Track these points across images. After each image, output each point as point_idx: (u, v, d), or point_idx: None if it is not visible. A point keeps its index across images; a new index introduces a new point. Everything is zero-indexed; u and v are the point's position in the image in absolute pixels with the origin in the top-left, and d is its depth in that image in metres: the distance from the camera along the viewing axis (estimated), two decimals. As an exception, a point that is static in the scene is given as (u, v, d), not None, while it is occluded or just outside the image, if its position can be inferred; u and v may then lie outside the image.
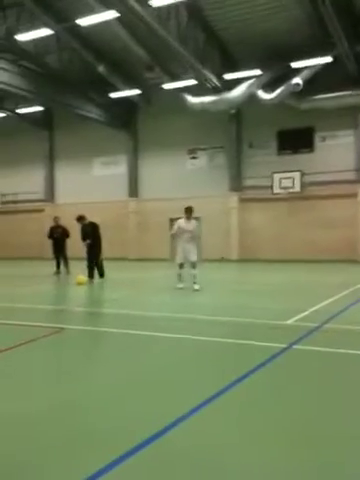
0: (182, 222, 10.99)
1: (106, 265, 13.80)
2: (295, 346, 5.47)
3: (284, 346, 5.41)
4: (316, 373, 4.56)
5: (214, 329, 6.68)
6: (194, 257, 10.88)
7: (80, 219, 13.67)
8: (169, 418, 3.36)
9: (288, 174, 21.20)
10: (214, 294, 10.80)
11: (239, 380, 4.21)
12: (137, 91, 22.04)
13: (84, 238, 13.33)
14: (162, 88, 20.88)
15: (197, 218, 23.27)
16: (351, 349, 5.37)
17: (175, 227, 11.01)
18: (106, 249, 13.71)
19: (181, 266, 11.11)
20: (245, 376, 4.33)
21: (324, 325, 6.68)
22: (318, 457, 2.84)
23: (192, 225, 10.97)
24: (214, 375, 4.49)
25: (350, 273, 15.75)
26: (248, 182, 22.48)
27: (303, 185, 20.98)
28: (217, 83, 20.13)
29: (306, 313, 7.62)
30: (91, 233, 13.30)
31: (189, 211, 11.00)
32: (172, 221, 24.25)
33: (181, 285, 10.99)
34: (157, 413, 3.53)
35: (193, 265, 10.88)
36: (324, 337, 6.07)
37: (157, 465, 2.76)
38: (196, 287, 10.64)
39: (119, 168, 25.36)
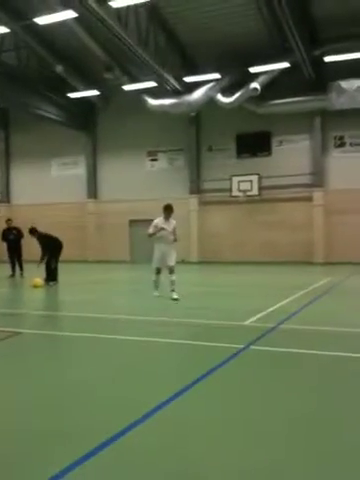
0: (160, 221, 9.73)
1: (65, 267, 13.59)
2: (252, 346, 5.56)
3: (242, 346, 5.49)
4: (271, 372, 4.65)
5: (173, 331, 6.70)
6: (172, 261, 9.75)
7: (32, 232, 12.92)
8: (125, 421, 3.35)
9: (246, 177, 21.52)
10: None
11: (195, 382, 4.24)
12: (96, 92, 21.87)
13: (43, 251, 12.79)
14: (122, 89, 20.80)
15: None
16: (304, 349, 5.50)
17: (152, 226, 9.75)
18: (64, 251, 13.49)
19: (158, 271, 9.91)
20: (202, 377, 4.36)
21: (280, 325, 6.81)
22: (274, 453, 2.90)
23: (171, 225, 9.77)
24: (171, 378, 4.50)
25: (306, 274, 16.13)
26: (207, 185, 22.66)
27: (261, 188, 21.35)
28: (177, 86, 20.23)
29: (263, 314, 7.75)
30: (45, 247, 12.78)
31: (168, 210, 9.75)
32: (132, 223, 24.35)
33: (157, 293, 9.86)
34: (114, 416, 3.51)
35: (171, 270, 9.68)
36: (279, 337, 6.19)
37: (117, 465, 2.75)
38: (174, 296, 9.50)
39: (78, 169, 25.07)
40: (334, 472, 2.69)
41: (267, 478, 2.64)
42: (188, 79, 19.96)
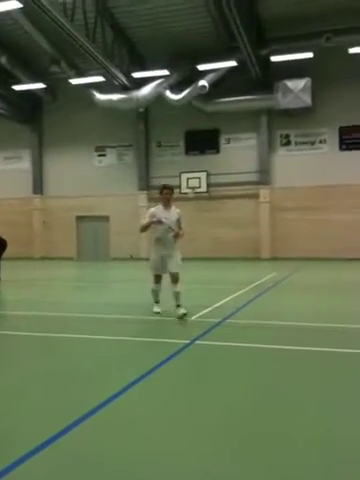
0: (158, 210, 7.23)
1: (9, 265, 13.20)
2: (197, 341, 5.59)
3: (187, 342, 5.51)
4: (215, 367, 4.69)
5: (120, 328, 6.64)
6: (176, 267, 7.27)
7: None
8: (62, 423, 3.28)
9: (195, 174, 21.67)
10: (122, 292, 10.76)
11: (138, 380, 4.20)
12: (42, 85, 21.34)
13: None
14: (69, 83, 20.40)
15: (106, 217, 23.45)
16: (248, 343, 5.59)
17: (147, 216, 7.25)
18: (9, 248, 13.09)
19: (157, 279, 7.48)
20: (146, 374, 4.34)
21: (225, 320, 6.90)
22: (214, 450, 2.92)
23: (174, 215, 7.26)
24: (112, 377, 4.43)
25: (253, 270, 16.44)
26: (157, 181, 22.60)
27: (209, 185, 21.55)
28: (125, 81, 20.06)
29: (209, 309, 7.82)
30: None
31: (168, 192, 7.24)
32: (79, 219, 23.97)
33: (158, 309, 7.49)
34: (56, 415, 3.43)
35: (175, 278, 7.23)
36: (224, 332, 6.26)
37: (55, 467, 2.68)
38: (182, 311, 7.02)
39: (22, 164, 24.41)
40: (278, 467, 2.73)
41: (207, 477, 2.65)
42: (136, 75, 19.86)
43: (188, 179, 21.72)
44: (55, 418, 3.36)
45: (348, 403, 3.64)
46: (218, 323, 6.68)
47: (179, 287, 7.20)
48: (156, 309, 7.50)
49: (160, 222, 7.02)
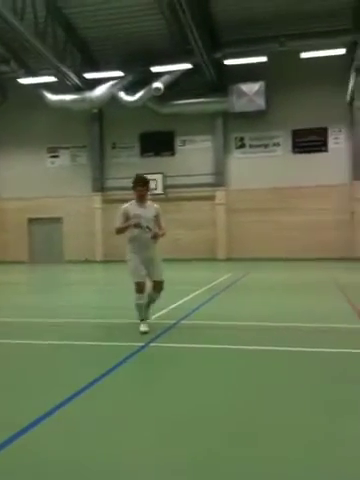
0: (131, 206, 6.19)
1: None
2: (152, 344, 5.47)
3: (142, 344, 5.38)
4: (169, 369, 4.59)
5: (72, 332, 6.43)
6: (161, 275, 6.34)
7: None
8: (8, 431, 3.09)
9: (151, 176, 21.45)
10: (77, 295, 10.51)
11: (90, 385, 4.05)
12: (-9, 84, 20.69)
13: None
14: (19, 83, 19.86)
15: (59, 219, 22.93)
16: (203, 344, 5.53)
17: (118, 216, 6.20)
18: None
19: (139, 288, 6.12)
20: (99, 378, 4.19)
21: (181, 321, 6.81)
22: (164, 453, 2.81)
23: (151, 211, 6.22)
24: (63, 382, 4.25)
25: (209, 271, 16.48)
26: (111, 183, 22.38)
27: (166, 187, 21.48)
28: (78, 81, 19.72)
29: (165, 311, 7.71)
30: None
31: (142, 185, 6.16)
32: (32, 221, 23.35)
33: (146, 328, 6.08)
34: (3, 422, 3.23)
35: (159, 288, 6.31)
36: (179, 333, 6.17)
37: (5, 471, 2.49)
38: (144, 328, 6.07)
39: (-27, 165, 23.58)
40: (223, 470, 2.65)
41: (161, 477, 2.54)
42: (89, 75, 19.59)
43: (144, 181, 21.54)
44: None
45: (303, 400, 3.62)
46: (173, 325, 6.59)
47: (159, 296, 6.39)
48: (143, 328, 6.04)
49: (138, 226, 5.98)
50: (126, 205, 6.20)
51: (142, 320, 6.16)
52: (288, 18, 17.56)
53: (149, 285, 6.31)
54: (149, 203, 6.28)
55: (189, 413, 3.42)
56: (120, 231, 6.19)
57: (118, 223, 6.16)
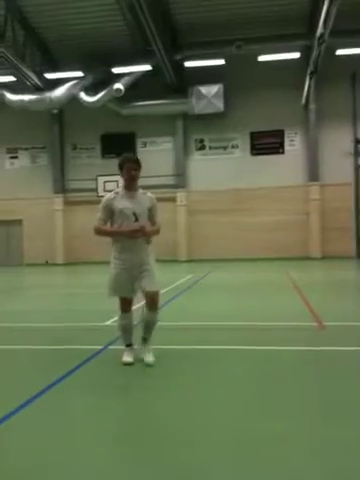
0: (120, 197, 4.70)
1: None
2: (111, 346, 5.56)
3: (100, 347, 5.47)
4: (126, 371, 4.69)
5: (27, 336, 6.44)
6: (154, 284, 4.78)
7: None
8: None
9: (112, 177, 21.49)
10: (36, 299, 10.44)
11: (44, 390, 4.08)
12: None
13: None
14: (-23, 82, 19.50)
15: (19, 221, 22.57)
16: (162, 345, 5.65)
17: (102, 210, 4.73)
18: None
19: (125, 306, 4.94)
20: (54, 383, 4.26)
21: (141, 323, 6.91)
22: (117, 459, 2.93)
23: (144, 202, 4.77)
24: (14, 389, 4.27)
25: (171, 272, 16.61)
26: (73, 184, 22.24)
27: (126, 188, 21.50)
28: (38, 82, 19.52)
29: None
30: None
31: (135, 166, 4.71)
32: (-9, 224, 22.96)
33: (130, 358, 4.83)
34: None
35: (153, 302, 4.83)
36: (139, 335, 6.28)
37: None
38: (150, 359, 4.79)
39: None
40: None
41: None
42: (49, 76, 19.42)
43: (105, 182, 21.54)
44: None
45: (267, 400, 3.81)
46: (134, 326, 6.68)
47: (156, 316, 4.80)
48: (127, 359, 4.77)
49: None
50: (109, 195, 4.66)
51: (128, 345, 4.87)
52: (245, 22, 17.93)
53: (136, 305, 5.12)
54: (141, 192, 4.73)
55: (143, 417, 3.55)
56: (102, 234, 4.76)
57: (99, 221, 4.69)
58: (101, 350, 5.40)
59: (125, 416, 3.53)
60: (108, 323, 6.97)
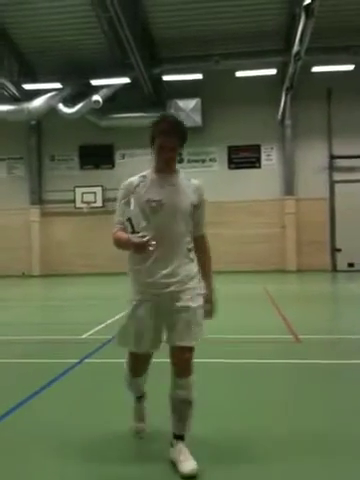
0: (148, 183, 3.00)
1: None
2: (87, 360, 5.54)
3: (76, 361, 5.44)
4: (102, 385, 4.67)
5: (5, 349, 6.36)
6: (194, 331, 2.97)
7: None
8: None
9: (90, 189, 21.49)
10: (11, 311, 10.31)
11: (17, 406, 4.05)
12: None
13: None
14: None
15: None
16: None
17: (120, 203, 3.08)
18: None
19: (138, 366, 3.26)
20: (29, 398, 4.22)
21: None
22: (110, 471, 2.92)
23: (187, 193, 3.03)
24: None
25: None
26: (50, 195, 22.09)
27: (105, 200, 21.46)
28: (15, 92, 19.43)
29: (103, 325, 7.78)
30: None
31: (171, 141, 2.94)
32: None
33: (141, 423, 3.38)
34: None
35: (185, 363, 2.91)
36: (116, 348, 6.24)
37: None
38: (190, 467, 2.76)
39: None
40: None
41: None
42: (27, 86, 19.34)
43: (83, 193, 21.48)
44: None
45: (244, 412, 3.83)
46: (110, 340, 6.66)
47: (191, 388, 2.91)
48: (138, 424, 3.37)
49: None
50: (132, 180, 3.06)
51: (139, 420, 3.35)
52: (224, 37, 18.21)
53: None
54: (181, 176, 3.10)
55: (118, 431, 3.55)
56: (119, 244, 3.04)
57: (116, 225, 3.07)
58: (76, 363, 5.36)
59: (100, 430, 3.51)
60: (85, 336, 6.94)
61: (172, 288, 2.90)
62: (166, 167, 3.02)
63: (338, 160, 20.61)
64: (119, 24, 15.20)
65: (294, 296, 12.67)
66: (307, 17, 13.62)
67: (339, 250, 20.57)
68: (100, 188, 21.42)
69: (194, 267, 3.04)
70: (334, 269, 20.54)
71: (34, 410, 3.94)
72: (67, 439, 3.36)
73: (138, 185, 3.01)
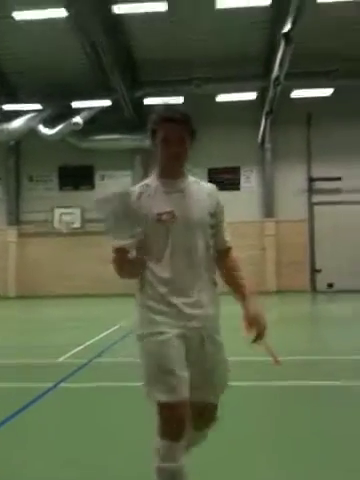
0: (153, 192, 2.33)
1: None
2: (62, 384, 5.34)
3: (50, 385, 5.24)
4: (77, 411, 4.50)
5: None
6: (219, 388, 2.39)
7: None
8: None
9: (69, 209, 21.32)
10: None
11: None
12: None
13: None
14: None
15: None
16: (116, 381, 5.48)
17: (109, 218, 2.32)
18: None
19: (178, 423, 2.14)
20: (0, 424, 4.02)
21: (94, 359, 6.71)
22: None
23: (201, 201, 2.38)
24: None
25: (130, 305, 16.38)
26: (28, 216, 21.84)
27: (84, 221, 21.30)
28: (-5, 113, 19.33)
29: (80, 348, 7.57)
30: None
31: (175, 133, 2.29)
32: None
33: None
34: None
35: (207, 420, 2.41)
36: (92, 372, 6.08)
37: None
38: None
39: None
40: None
41: None
42: (7, 107, 19.27)
43: (62, 214, 21.30)
44: None
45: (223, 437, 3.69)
46: (87, 363, 6.47)
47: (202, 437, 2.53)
48: None
49: (160, 223, 2.27)
50: (133, 190, 2.38)
51: None
52: (205, 62, 18.46)
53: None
54: (192, 180, 2.49)
55: (94, 459, 3.39)
56: (120, 269, 2.36)
57: (114, 239, 2.31)
58: (51, 388, 5.16)
59: (76, 456, 3.34)
60: (61, 359, 6.73)
61: (198, 323, 2.27)
62: (172, 168, 2.36)
63: (317, 182, 20.91)
64: (101, 47, 15.31)
65: (273, 317, 12.59)
66: (286, 44, 13.95)
67: (319, 271, 20.71)
68: (79, 209, 21.27)
69: (218, 295, 2.45)
70: (314, 289, 20.63)
71: (5, 438, 3.74)
72: (41, 468, 3.18)
73: (140, 197, 2.33)
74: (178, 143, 2.31)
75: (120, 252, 2.22)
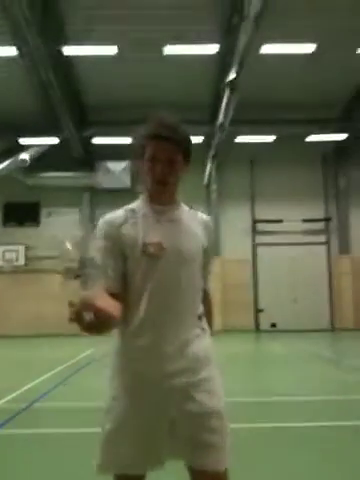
0: (138, 218, 2.03)
1: None
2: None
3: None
4: (14, 459, 4.34)
5: None
6: (223, 452, 1.90)
7: None
8: None
9: (12, 247, 20.85)
10: None
11: None
12: None
13: None
14: None
15: None
16: (57, 428, 5.34)
17: (102, 254, 1.99)
18: None
19: None
20: None
21: (34, 404, 6.50)
22: None
23: (194, 232, 2.06)
24: None
25: (71, 346, 15.98)
26: (-31, 253, 21.13)
27: (28, 258, 20.85)
28: None
29: (17, 393, 7.31)
30: None
31: (164, 152, 2.00)
32: None
33: None
34: None
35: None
36: (31, 417, 5.88)
37: None
38: None
39: None
40: None
41: None
42: None
43: (4, 252, 20.77)
44: None
45: None
46: (25, 408, 6.25)
47: None
48: None
49: (149, 255, 1.94)
50: (116, 216, 2.09)
51: None
52: (153, 105, 18.92)
53: None
54: (184, 209, 2.21)
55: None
56: (88, 329, 1.75)
57: (104, 282, 1.98)
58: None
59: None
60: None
61: (183, 379, 1.94)
62: (162, 192, 2.06)
63: (260, 224, 21.60)
64: (50, 87, 15.44)
65: (217, 357, 12.66)
66: (231, 92, 14.63)
67: (261, 310, 21.12)
68: (23, 246, 20.84)
69: (209, 340, 2.17)
70: (257, 329, 20.96)
71: None
72: None
73: (124, 224, 2.00)
74: (168, 163, 2.01)
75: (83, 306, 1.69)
